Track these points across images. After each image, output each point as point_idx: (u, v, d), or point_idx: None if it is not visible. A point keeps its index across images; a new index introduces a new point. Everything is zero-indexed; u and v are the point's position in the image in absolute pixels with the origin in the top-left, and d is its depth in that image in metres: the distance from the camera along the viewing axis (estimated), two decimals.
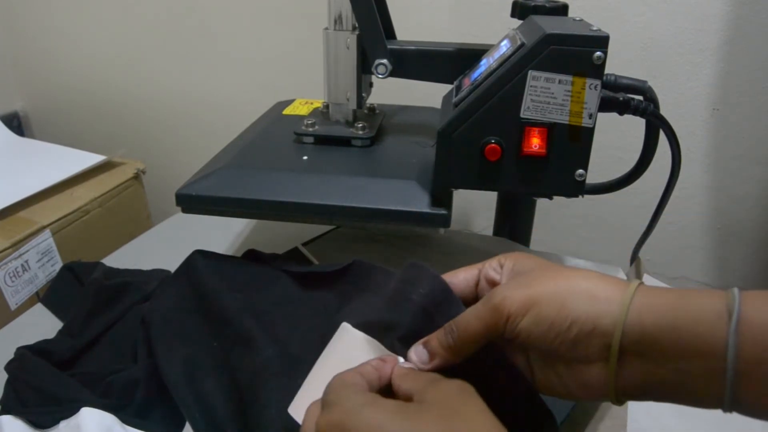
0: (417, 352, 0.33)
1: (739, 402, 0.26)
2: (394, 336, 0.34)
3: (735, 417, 0.27)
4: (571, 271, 0.31)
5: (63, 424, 0.42)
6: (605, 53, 0.43)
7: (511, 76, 0.44)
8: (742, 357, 0.25)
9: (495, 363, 0.32)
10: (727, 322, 0.25)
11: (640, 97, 0.48)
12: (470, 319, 0.31)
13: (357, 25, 0.56)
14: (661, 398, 0.28)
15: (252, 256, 0.55)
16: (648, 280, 0.55)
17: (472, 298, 0.36)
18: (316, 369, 0.37)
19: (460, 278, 0.37)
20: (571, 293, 0.29)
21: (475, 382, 0.31)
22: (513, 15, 0.54)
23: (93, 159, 0.86)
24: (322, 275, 0.49)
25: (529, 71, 0.44)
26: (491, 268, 0.36)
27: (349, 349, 0.36)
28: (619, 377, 0.28)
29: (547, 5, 0.51)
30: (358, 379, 0.30)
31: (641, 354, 0.28)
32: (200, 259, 0.52)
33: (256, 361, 0.42)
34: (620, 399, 0.29)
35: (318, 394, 0.31)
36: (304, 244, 0.61)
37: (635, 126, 0.52)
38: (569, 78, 0.43)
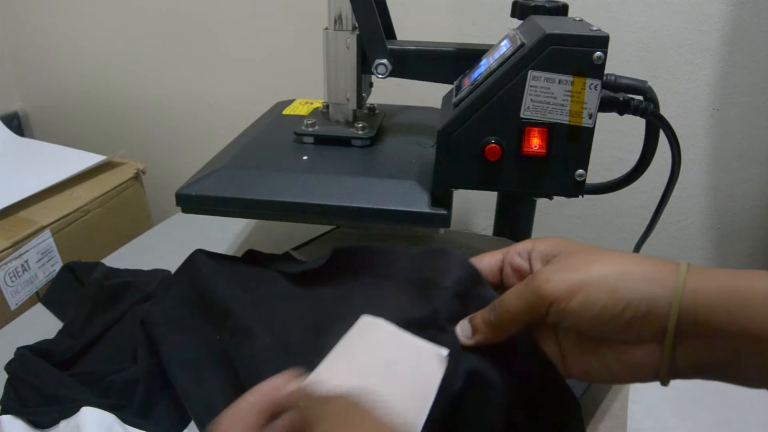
0: (462, 326, 0.34)
1: None
2: (434, 326, 0.35)
3: (735, 417, 0.27)
4: (619, 254, 0.31)
5: (63, 423, 0.42)
6: (605, 53, 0.43)
7: (511, 76, 0.44)
8: None
9: (527, 350, 0.33)
10: None
11: (640, 97, 0.48)
12: (512, 299, 0.31)
13: (357, 25, 0.56)
14: (712, 377, 0.29)
15: (250, 257, 0.55)
16: None
17: (496, 284, 0.37)
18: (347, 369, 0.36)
19: (484, 263, 0.37)
20: (622, 276, 0.29)
21: (505, 368, 0.32)
22: (513, 15, 0.54)
23: (93, 159, 0.86)
24: (313, 271, 0.49)
25: (529, 71, 0.44)
26: (516, 254, 0.36)
27: (384, 346, 0.36)
28: (673, 358, 0.28)
29: (547, 5, 0.51)
30: (249, 420, 0.29)
31: (695, 335, 0.28)
32: (202, 257, 0.52)
33: (253, 348, 0.42)
34: (670, 379, 0.29)
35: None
36: (303, 245, 0.61)
37: (635, 126, 0.52)
38: (569, 78, 0.43)
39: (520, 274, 0.36)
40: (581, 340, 0.31)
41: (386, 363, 0.33)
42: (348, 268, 0.46)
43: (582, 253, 0.32)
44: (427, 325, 0.35)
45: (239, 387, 0.43)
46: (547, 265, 0.32)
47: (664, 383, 0.29)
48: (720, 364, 0.28)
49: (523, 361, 0.33)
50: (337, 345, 0.36)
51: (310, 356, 0.37)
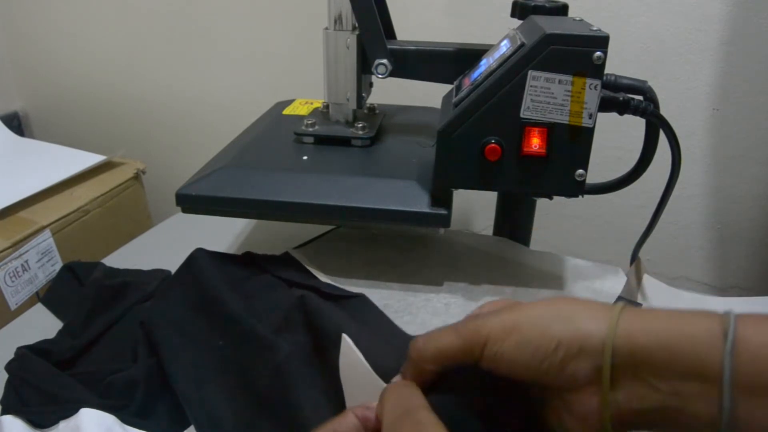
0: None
1: (736, 426, 0.25)
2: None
3: None
4: (557, 299, 0.30)
5: (63, 424, 0.42)
6: (605, 53, 0.43)
7: (511, 76, 0.44)
8: (738, 379, 0.24)
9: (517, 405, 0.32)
10: (722, 343, 0.25)
11: (640, 97, 0.48)
12: (443, 335, 0.30)
13: (357, 25, 0.56)
14: (658, 425, 0.27)
15: (249, 258, 0.55)
16: (648, 280, 0.55)
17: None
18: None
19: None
20: (554, 315, 0.28)
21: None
22: (513, 15, 0.54)
23: (93, 159, 0.86)
24: (321, 293, 0.49)
25: (529, 71, 0.44)
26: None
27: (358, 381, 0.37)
28: (614, 403, 0.27)
29: (547, 5, 0.51)
30: None
31: (634, 374, 0.26)
32: (202, 257, 0.52)
33: (275, 360, 0.42)
34: (617, 429, 0.28)
35: None
36: (303, 245, 0.61)
37: (635, 126, 0.52)
38: (569, 78, 0.43)
39: None
40: (534, 391, 0.30)
41: None
42: (357, 313, 0.47)
43: (517, 303, 0.31)
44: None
45: (241, 394, 0.43)
46: (485, 312, 0.31)
47: None
48: (665, 409, 0.26)
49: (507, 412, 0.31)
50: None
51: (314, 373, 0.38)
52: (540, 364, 0.28)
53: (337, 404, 0.39)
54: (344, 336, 0.38)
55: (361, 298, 0.49)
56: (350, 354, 0.38)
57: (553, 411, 0.29)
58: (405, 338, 0.44)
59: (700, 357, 0.25)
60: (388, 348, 0.38)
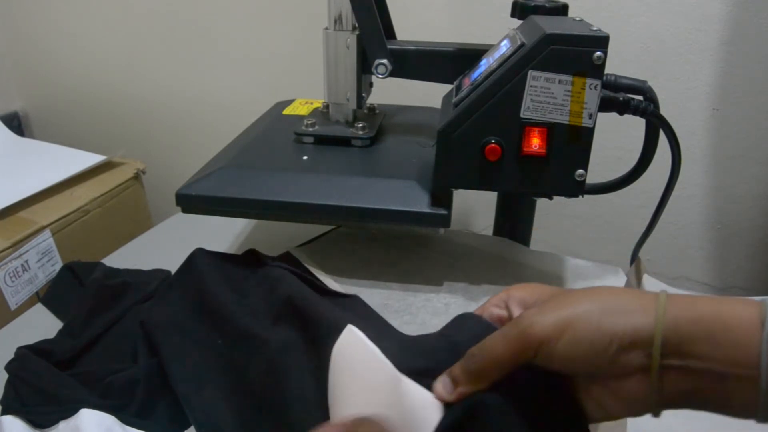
0: (443, 382, 0.32)
1: None
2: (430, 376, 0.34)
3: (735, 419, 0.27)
4: (597, 290, 0.31)
5: (63, 424, 0.42)
6: (605, 53, 0.43)
7: (511, 76, 0.44)
8: None
9: (553, 392, 0.32)
10: (759, 331, 0.26)
11: (640, 97, 0.48)
12: (495, 344, 0.31)
13: (357, 25, 0.56)
14: (699, 407, 0.29)
15: (252, 257, 0.55)
16: (648, 280, 0.55)
17: None
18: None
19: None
20: (605, 310, 0.29)
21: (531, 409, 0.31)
22: (513, 15, 0.54)
23: (93, 159, 0.86)
24: (320, 290, 0.49)
25: (529, 71, 0.44)
26: (494, 305, 0.36)
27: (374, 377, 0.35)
28: (660, 388, 0.28)
29: (547, 5, 0.51)
30: None
31: (680, 361, 0.28)
32: (202, 257, 0.52)
33: (268, 356, 0.42)
34: (660, 409, 0.29)
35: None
36: (303, 245, 0.61)
37: (635, 126, 0.52)
38: (569, 78, 0.43)
39: (502, 324, 0.35)
40: (575, 380, 0.31)
41: (388, 405, 0.33)
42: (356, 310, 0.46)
43: (560, 296, 0.32)
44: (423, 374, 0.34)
45: (240, 394, 0.43)
46: (529, 310, 0.32)
47: (656, 414, 0.29)
48: (707, 393, 0.28)
49: (547, 402, 0.32)
50: (335, 384, 0.35)
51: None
52: (594, 359, 0.29)
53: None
54: (350, 327, 0.37)
55: (354, 298, 0.48)
56: (356, 344, 0.37)
57: (592, 396, 0.30)
58: (400, 338, 0.43)
59: (741, 345, 0.26)
60: (386, 343, 0.38)
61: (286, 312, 0.45)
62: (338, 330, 0.37)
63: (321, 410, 0.36)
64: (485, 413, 0.31)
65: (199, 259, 0.52)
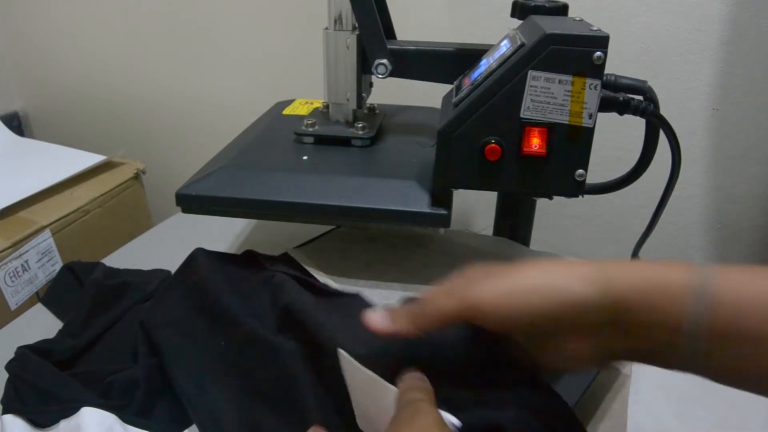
0: (380, 313, 0.34)
1: (706, 369, 0.28)
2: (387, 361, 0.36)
3: (735, 417, 0.27)
4: (539, 261, 0.33)
5: (63, 423, 0.42)
6: (605, 53, 0.43)
7: (511, 76, 0.44)
8: (711, 327, 0.27)
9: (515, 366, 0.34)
10: (695, 294, 0.27)
11: (640, 97, 0.48)
12: (440, 297, 0.33)
13: (357, 25, 0.56)
14: (641, 361, 0.31)
15: (249, 257, 0.55)
16: None
17: None
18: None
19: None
20: (545, 277, 0.31)
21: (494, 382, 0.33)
22: (513, 15, 0.54)
23: (93, 159, 0.86)
24: (321, 291, 0.49)
25: (529, 71, 0.44)
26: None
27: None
28: (601, 346, 0.30)
29: (547, 5, 0.51)
30: None
31: (616, 324, 0.29)
32: (202, 257, 0.52)
33: (279, 360, 0.42)
34: (604, 364, 0.32)
35: None
36: (303, 245, 0.61)
37: (635, 126, 0.52)
38: (569, 78, 0.44)
39: None
40: (529, 338, 0.33)
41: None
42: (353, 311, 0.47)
43: (506, 267, 0.33)
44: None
45: (245, 395, 0.43)
46: (477, 279, 0.33)
47: (597, 368, 0.33)
48: (647, 349, 0.29)
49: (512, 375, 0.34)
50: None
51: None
52: (533, 324, 0.31)
53: (340, 404, 0.39)
54: (340, 351, 0.39)
55: (355, 297, 0.48)
56: (350, 365, 0.38)
57: (544, 353, 0.33)
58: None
59: (675, 308, 0.27)
60: (388, 345, 0.38)
61: (287, 320, 0.45)
62: (335, 341, 0.38)
63: (335, 412, 0.37)
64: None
65: (199, 259, 0.52)
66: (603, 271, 0.30)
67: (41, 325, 0.55)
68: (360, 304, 0.47)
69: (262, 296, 0.50)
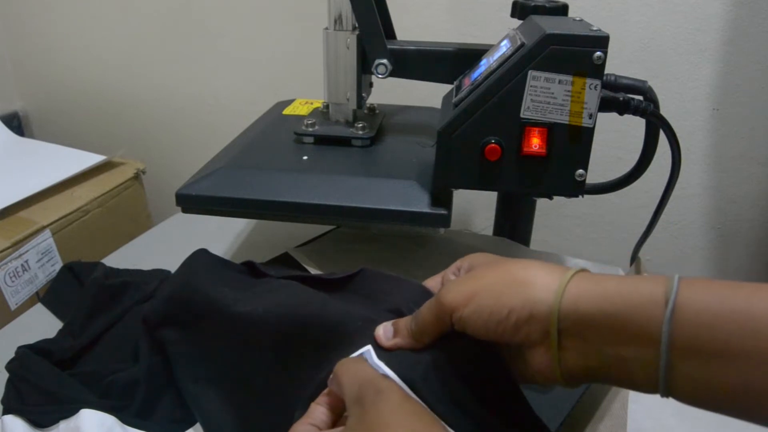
0: (385, 328, 0.35)
1: (674, 389, 0.26)
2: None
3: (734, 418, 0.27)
4: (512, 262, 0.32)
5: (63, 424, 0.42)
6: (605, 53, 0.43)
7: (511, 76, 0.44)
8: (675, 346, 0.25)
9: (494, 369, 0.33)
10: (663, 309, 0.26)
11: (640, 97, 0.48)
12: (425, 310, 0.33)
13: (357, 25, 0.56)
14: (604, 381, 0.30)
15: (250, 267, 0.55)
16: None
17: None
18: None
19: (428, 286, 0.40)
20: (508, 282, 0.30)
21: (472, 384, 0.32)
22: (513, 15, 0.54)
23: (93, 159, 0.86)
24: (327, 282, 0.49)
25: (529, 71, 0.44)
26: (451, 272, 0.38)
27: None
28: (563, 361, 0.29)
29: (547, 5, 0.51)
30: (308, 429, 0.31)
31: (580, 339, 0.29)
32: (202, 258, 0.52)
33: (279, 360, 0.42)
34: (568, 382, 0.30)
35: None
36: (303, 245, 0.61)
37: (635, 126, 0.52)
38: (569, 78, 0.44)
39: None
40: (500, 347, 0.33)
41: None
42: (360, 288, 0.47)
43: (484, 265, 0.34)
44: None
45: (246, 395, 0.43)
46: (452, 281, 0.34)
47: (564, 385, 0.31)
48: (608, 368, 0.28)
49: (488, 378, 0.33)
50: None
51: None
52: (496, 328, 0.30)
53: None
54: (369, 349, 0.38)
55: (362, 272, 0.48)
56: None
57: (516, 364, 0.32)
58: (419, 290, 0.42)
59: (641, 324, 0.26)
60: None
61: (289, 320, 0.45)
62: (342, 339, 0.38)
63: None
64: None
65: (199, 259, 0.52)
66: (571, 282, 0.29)
67: (41, 325, 0.55)
68: (369, 277, 0.47)
69: (262, 296, 0.49)
